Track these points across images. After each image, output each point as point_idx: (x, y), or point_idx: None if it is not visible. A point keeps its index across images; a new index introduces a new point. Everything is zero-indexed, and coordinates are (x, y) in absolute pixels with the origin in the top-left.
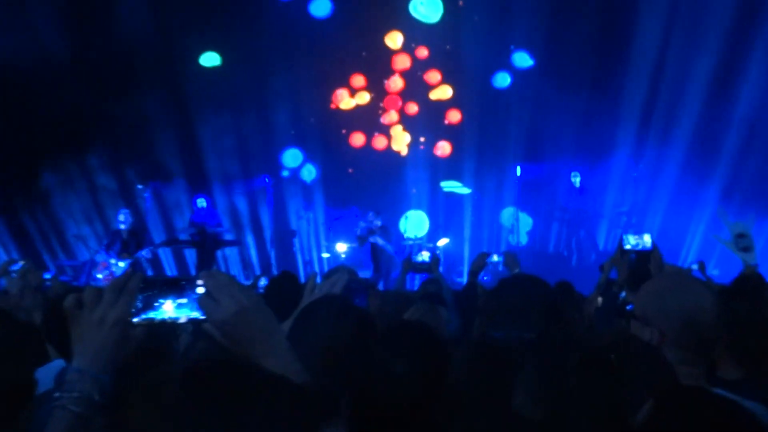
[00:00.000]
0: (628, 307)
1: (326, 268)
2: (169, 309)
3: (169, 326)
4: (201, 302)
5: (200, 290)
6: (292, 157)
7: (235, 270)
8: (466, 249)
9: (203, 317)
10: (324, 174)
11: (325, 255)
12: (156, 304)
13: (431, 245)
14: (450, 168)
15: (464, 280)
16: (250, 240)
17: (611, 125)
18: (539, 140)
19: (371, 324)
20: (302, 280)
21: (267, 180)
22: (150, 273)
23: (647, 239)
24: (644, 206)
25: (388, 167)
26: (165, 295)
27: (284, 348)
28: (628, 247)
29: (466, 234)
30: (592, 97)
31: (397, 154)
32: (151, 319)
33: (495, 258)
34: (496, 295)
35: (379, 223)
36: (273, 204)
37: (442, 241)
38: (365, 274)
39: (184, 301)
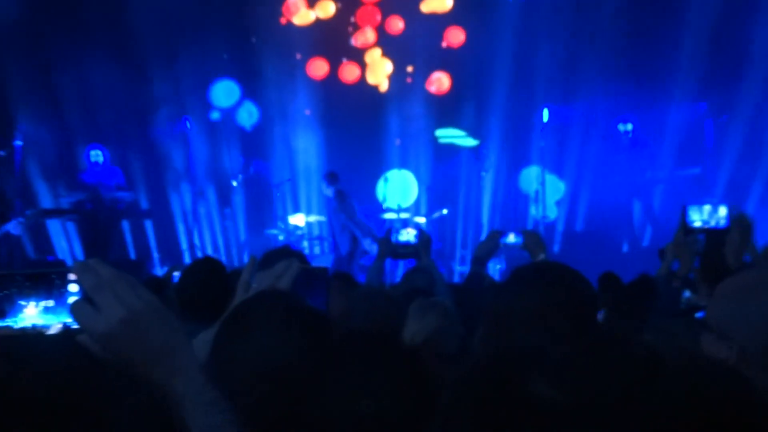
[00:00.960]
0: (697, 315)
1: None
2: (32, 314)
3: (33, 338)
4: (74, 308)
5: (73, 289)
6: (224, 92)
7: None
8: (469, 225)
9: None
10: (269, 117)
11: (273, 232)
12: (14, 308)
13: (420, 220)
14: (449, 110)
15: (467, 269)
16: (165, 210)
17: (677, 52)
18: (574, 72)
19: (331, 336)
20: (234, 266)
21: (188, 125)
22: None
23: (722, 213)
24: (724, 168)
25: (360, 108)
26: (27, 295)
27: (195, 370)
28: (696, 224)
29: (469, 204)
30: (650, 10)
31: (374, 89)
32: (8, 328)
33: (511, 238)
34: (510, 290)
35: (329, 192)
36: (196, 160)
37: (437, 214)
38: (323, 260)
39: (51, 303)
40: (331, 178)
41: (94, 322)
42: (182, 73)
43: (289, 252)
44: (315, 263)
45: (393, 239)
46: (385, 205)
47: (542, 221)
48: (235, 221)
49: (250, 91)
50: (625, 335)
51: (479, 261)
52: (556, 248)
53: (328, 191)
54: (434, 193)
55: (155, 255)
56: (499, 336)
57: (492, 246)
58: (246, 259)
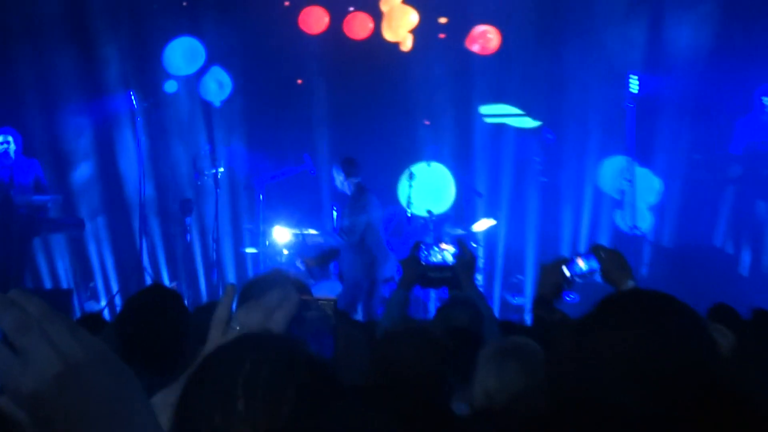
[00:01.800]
0: None
1: (250, 275)
2: None
3: None
4: None
5: None
6: (183, 54)
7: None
8: (529, 239)
9: None
10: (247, 89)
11: (251, 250)
12: None
13: (459, 232)
14: (498, 79)
15: (525, 302)
16: (101, 220)
17: None
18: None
19: (348, 401)
20: (201, 298)
21: (134, 100)
22: None
23: None
24: None
25: (373, 76)
26: None
27: None
28: None
29: (528, 210)
30: None
31: (393, 49)
32: None
33: (581, 265)
34: (595, 332)
35: (346, 187)
36: (148, 147)
37: (482, 225)
38: (329, 288)
39: None
40: (348, 165)
41: (17, 378)
42: (124, 28)
43: (282, 278)
44: (316, 293)
45: (422, 260)
46: (409, 212)
47: (631, 231)
48: (202, 234)
49: (219, 53)
50: (753, 391)
51: (543, 303)
52: (652, 269)
53: (345, 185)
54: (477, 196)
55: (90, 282)
56: (586, 394)
57: (557, 280)
58: (218, 288)
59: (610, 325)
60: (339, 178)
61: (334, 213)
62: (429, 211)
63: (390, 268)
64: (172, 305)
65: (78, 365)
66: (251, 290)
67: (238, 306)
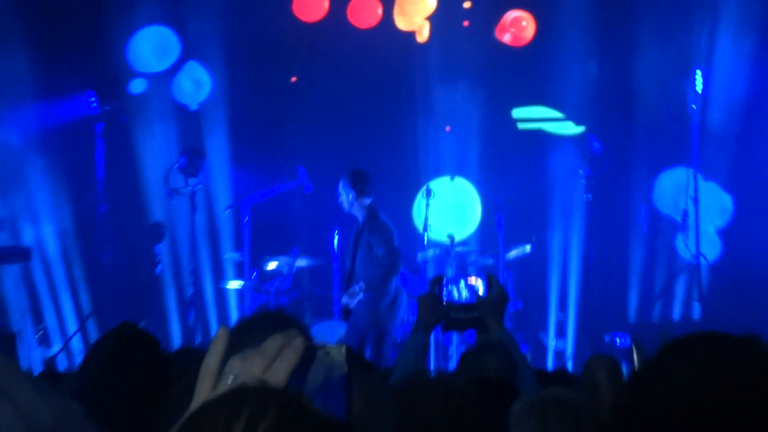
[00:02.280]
0: None
1: (237, 316)
2: None
3: None
4: None
5: None
6: (153, 47)
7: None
8: (570, 270)
9: None
10: (230, 89)
11: (234, 285)
12: None
13: (487, 262)
14: (534, 76)
15: (566, 346)
16: (53, 248)
17: None
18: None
19: None
20: (173, 343)
21: (94, 103)
22: None
23: None
24: None
25: (383, 73)
26: None
27: None
28: None
29: (570, 234)
30: None
31: (408, 39)
32: None
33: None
34: (660, 381)
35: (356, 208)
36: (110, 159)
37: (515, 253)
38: (329, 330)
39: None
40: (359, 180)
41: None
42: (81, 17)
43: (282, 319)
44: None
45: (444, 296)
46: (426, 237)
47: (695, 261)
48: (175, 265)
49: (196, 46)
50: None
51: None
52: (712, 306)
53: (355, 207)
54: (511, 216)
55: (39, 323)
56: None
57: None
58: (195, 331)
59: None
60: (347, 197)
61: (336, 238)
62: (450, 236)
63: (403, 308)
64: (147, 351)
65: (45, 429)
66: (245, 334)
67: (229, 353)
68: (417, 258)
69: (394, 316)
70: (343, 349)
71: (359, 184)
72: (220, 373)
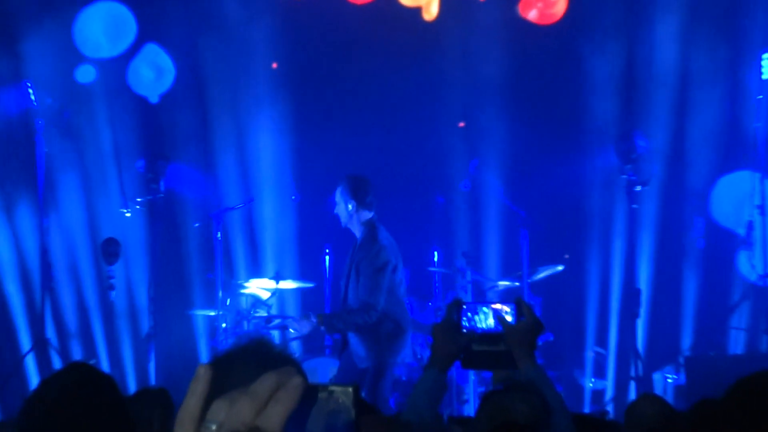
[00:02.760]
0: None
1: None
2: None
3: None
4: None
5: None
6: (105, 26)
7: None
8: (612, 294)
9: None
10: (197, 78)
11: (205, 313)
12: None
13: (510, 285)
14: (564, 60)
15: (607, 386)
16: None
17: None
18: None
19: None
20: (129, 384)
21: (32, 95)
22: None
23: None
24: None
25: (384, 57)
26: None
27: None
28: None
29: (612, 252)
30: None
31: (414, 16)
32: None
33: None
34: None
35: (354, 223)
36: (53, 162)
37: (545, 273)
38: (321, 367)
39: None
40: (359, 187)
41: None
42: None
43: (272, 354)
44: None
45: (464, 326)
46: (436, 255)
47: (763, 283)
48: (131, 290)
49: (156, 26)
50: None
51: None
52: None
53: (354, 220)
54: (538, 231)
55: None
56: None
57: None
58: (154, 369)
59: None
60: (346, 208)
61: (327, 258)
62: (464, 254)
63: (408, 338)
64: (101, 394)
65: None
66: (227, 372)
67: (212, 396)
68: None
69: (396, 349)
70: (351, 390)
71: (361, 193)
72: (202, 419)
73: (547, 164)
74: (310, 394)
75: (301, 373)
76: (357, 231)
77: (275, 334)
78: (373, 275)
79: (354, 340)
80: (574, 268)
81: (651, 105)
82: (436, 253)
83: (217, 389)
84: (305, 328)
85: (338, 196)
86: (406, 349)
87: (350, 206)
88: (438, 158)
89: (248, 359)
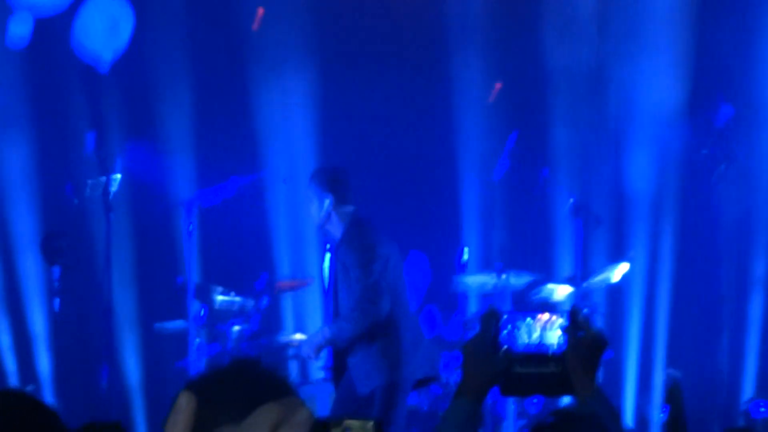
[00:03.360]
0: None
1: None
2: None
3: None
4: None
5: None
6: None
7: None
8: (692, 301)
9: None
10: (161, 37)
11: (175, 326)
12: None
13: (564, 292)
14: (625, 11)
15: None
16: None
17: None
18: None
19: None
20: (78, 415)
21: None
22: None
23: None
24: None
25: (393, 16)
26: None
27: None
28: None
29: (690, 247)
30: None
31: None
32: None
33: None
34: None
35: (331, 223)
36: None
37: (606, 275)
38: (322, 396)
39: None
40: (334, 180)
41: None
42: None
43: (267, 379)
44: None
45: (505, 343)
46: (465, 256)
47: None
48: (81, 296)
49: None
50: None
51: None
52: None
53: (332, 219)
54: (597, 221)
55: None
56: None
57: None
58: (110, 397)
59: None
60: (321, 206)
61: (328, 258)
62: (502, 252)
63: (425, 360)
64: (42, 430)
65: None
66: (216, 402)
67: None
68: (452, 288)
69: (401, 366)
70: (371, 426)
71: (339, 186)
72: None
73: (607, 138)
74: (321, 430)
75: (306, 404)
76: (337, 230)
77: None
78: (367, 265)
79: (356, 359)
80: (641, 268)
81: (735, 64)
82: (466, 250)
83: (201, 424)
84: (314, 347)
85: (311, 192)
86: (419, 362)
87: (327, 202)
88: (468, 134)
89: (237, 386)
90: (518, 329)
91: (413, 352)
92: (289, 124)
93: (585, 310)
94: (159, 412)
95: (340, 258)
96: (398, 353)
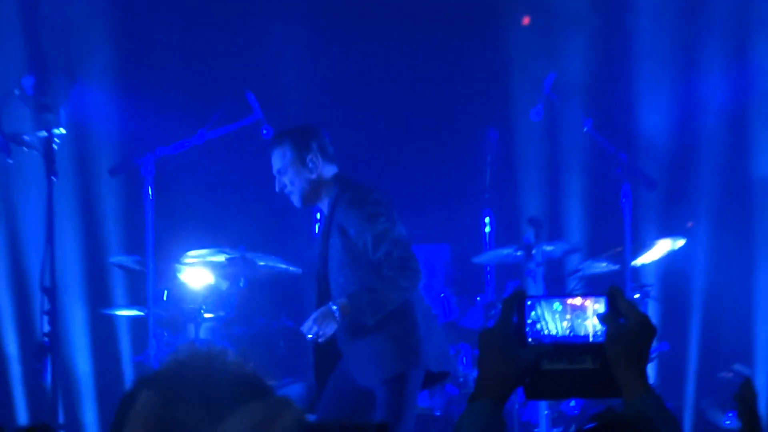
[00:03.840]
0: None
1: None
2: None
3: None
4: None
5: None
6: None
7: None
8: (759, 286)
9: None
10: None
11: (130, 313)
12: None
13: (602, 267)
14: None
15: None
16: None
17: None
18: None
19: None
20: (19, 419)
21: None
22: None
23: None
24: None
25: None
26: None
27: None
28: None
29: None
30: None
31: None
32: None
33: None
34: None
35: (321, 171)
36: None
37: (658, 250)
38: (311, 395)
39: None
40: (312, 136)
41: None
42: None
43: (244, 378)
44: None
45: (530, 332)
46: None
47: None
48: (16, 276)
49: None
50: None
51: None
52: None
53: (316, 182)
54: (649, 185)
55: None
56: None
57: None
58: (56, 394)
59: None
60: (304, 169)
61: (318, 227)
62: (532, 221)
63: (439, 352)
64: None
65: None
66: (181, 401)
67: None
68: (470, 264)
69: (410, 359)
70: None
71: (321, 142)
72: None
73: (660, 84)
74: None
75: (293, 404)
76: (323, 197)
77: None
78: (385, 220)
79: (359, 344)
80: (702, 244)
81: None
82: (487, 220)
83: (165, 429)
84: (330, 327)
85: (284, 159)
86: (431, 354)
87: (308, 160)
88: (491, 74)
89: (207, 383)
90: (546, 317)
91: (427, 341)
92: (276, 69)
93: (635, 295)
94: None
95: (338, 218)
96: (416, 341)
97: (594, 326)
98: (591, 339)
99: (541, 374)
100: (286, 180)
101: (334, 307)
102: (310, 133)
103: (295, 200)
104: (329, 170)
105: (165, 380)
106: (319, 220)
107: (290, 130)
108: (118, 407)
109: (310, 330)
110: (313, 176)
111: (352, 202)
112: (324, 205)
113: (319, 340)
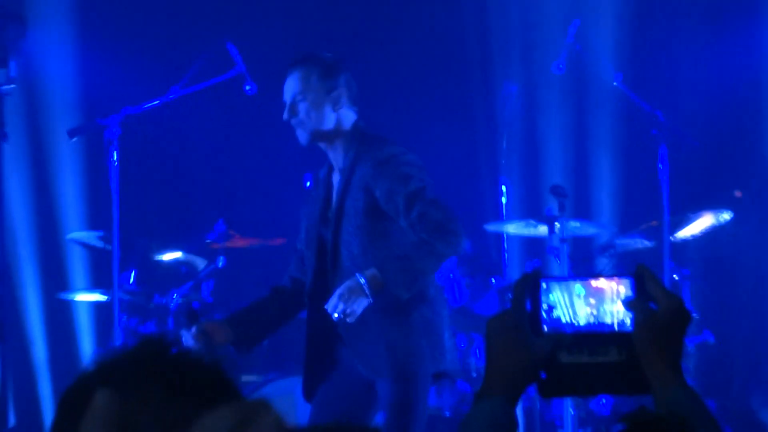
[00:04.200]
0: None
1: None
2: None
3: None
4: None
5: None
6: None
7: None
8: None
9: None
10: None
11: (93, 298)
12: None
13: (631, 242)
14: None
15: None
16: None
17: None
18: None
19: None
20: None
21: None
22: None
23: None
24: None
25: None
26: None
27: None
28: None
29: None
30: None
31: None
32: None
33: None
34: None
35: (343, 113)
36: None
37: (700, 224)
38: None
39: None
40: (340, 70)
41: None
42: None
43: (209, 371)
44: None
45: (546, 320)
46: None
47: None
48: None
49: None
50: None
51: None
52: None
53: (333, 127)
54: (687, 148)
55: None
56: None
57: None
58: (7, 391)
59: None
60: (326, 104)
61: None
62: (555, 190)
63: (450, 345)
64: None
65: None
66: (139, 400)
67: None
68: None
69: (424, 354)
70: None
71: (347, 77)
72: None
73: (703, 30)
74: None
75: (271, 407)
76: (336, 144)
77: None
78: (420, 180)
79: (369, 330)
80: (751, 217)
81: None
82: (503, 188)
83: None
84: (360, 304)
85: (305, 83)
86: (442, 340)
87: (336, 96)
88: (507, 21)
89: (174, 383)
90: (563, 301)
91: (443, 332)
92: (261, 16)
93: (674, 276)
94: None
95: (358, 182)
96: (439, 332)
97: (620, 312)
98: (616, 327)
99: (558, 368)
100: (300, 108)
101: (362, 280)
102: (341, 65)
103: (303, 135)
104: (349, 116)
105: (124, 377)
106: (318, 175)
107: (319, 55)
108: (64, 403)
109: (335, 308)
110: (333, 114)
111: (384, 161)
112: (337, 154)
113: (348, 320)
